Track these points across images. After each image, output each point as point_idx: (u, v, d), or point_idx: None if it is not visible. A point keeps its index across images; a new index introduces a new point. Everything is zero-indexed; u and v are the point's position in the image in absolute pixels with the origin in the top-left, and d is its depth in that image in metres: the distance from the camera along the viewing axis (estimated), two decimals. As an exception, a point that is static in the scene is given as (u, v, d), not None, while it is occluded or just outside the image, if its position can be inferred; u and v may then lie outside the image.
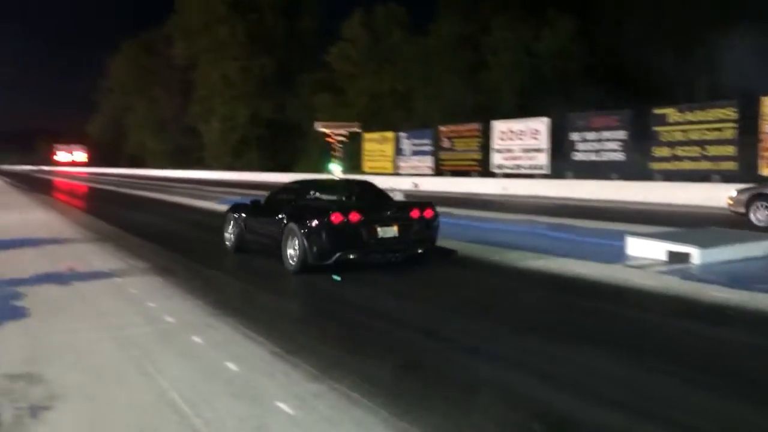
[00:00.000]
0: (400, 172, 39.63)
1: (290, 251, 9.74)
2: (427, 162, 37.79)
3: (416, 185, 34.36)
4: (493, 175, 33.33)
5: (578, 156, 29.55)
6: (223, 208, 23.43)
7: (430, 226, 10.30)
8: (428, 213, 10.17)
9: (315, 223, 9.30)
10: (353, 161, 41.64)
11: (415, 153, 38.84)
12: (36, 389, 4.97)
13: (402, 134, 40.38)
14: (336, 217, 9.15)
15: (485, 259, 11.14)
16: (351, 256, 9.40)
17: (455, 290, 8.94)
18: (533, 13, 44.77)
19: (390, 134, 41.02)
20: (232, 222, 12.24)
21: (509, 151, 32.32)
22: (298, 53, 75.62)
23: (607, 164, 28.30)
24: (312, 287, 9.22)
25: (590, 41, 44.31)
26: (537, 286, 9.11)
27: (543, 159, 30.66)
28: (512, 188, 30.70)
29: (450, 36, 50.88)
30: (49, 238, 14.48)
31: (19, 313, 7.38)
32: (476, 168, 34.68)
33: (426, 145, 38.02)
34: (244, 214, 11.85)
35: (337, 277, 9.28)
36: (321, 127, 21.74)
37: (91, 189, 45.51)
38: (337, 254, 9.29)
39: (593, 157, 28.93)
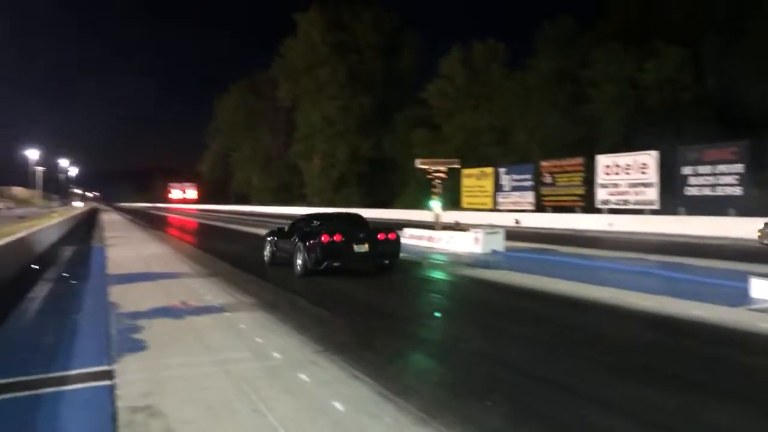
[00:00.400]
0: (500, 207, 39.14)
1: (298, 261, 14.04)
2: (528, 198, 37.09)
3: (518, 222, 33.70)
4: (598, 210, 32.18)
5: (691, 191, 28.05)
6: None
7: (393, 245, 14.60)
8: (391, 236, 14.57)
9: (311, 242, 13.55)
10: (452, 197, 41.56)
11: (515, 188, 38.26)
12: (155, 422, 5.14)
13: (501, 169, 39.99)
14: (325, 238, 13.42)
15: (596, 300, 10.66)
16: (335, 264, 13.58)
17: (575, 336, 8.56)
18: (636, 44, 43.43)
19: (489, 170, 40.73)
20: (268, 244, 16.76)
21: (615, 185, 31.15)
22: (396, 91, 77.17)
23: (723, 199, 26.67)
24: (421, 328, 9.13)
25: (699, 70, 42.39)
26: (651, 329, 8.58)
27: (652, 194, 29.31)
28: (618, 224, 29.48)
29: (549, 70, 50.24)
30: (163, 273, 15.25)
31: (137, 346, 7.73)
32: (579, 203, 33.66)
33: (527, 180, 37.40)
34: (275, 238, 16.25)
35: (437, 314, 9.23)
36: (421, 164, 21.77)
37: (201, 225, 47.81)
38: (326, 263, 13.50)
39: (707, 191, 27.36)
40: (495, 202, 39.92)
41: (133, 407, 5.50)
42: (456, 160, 24.15)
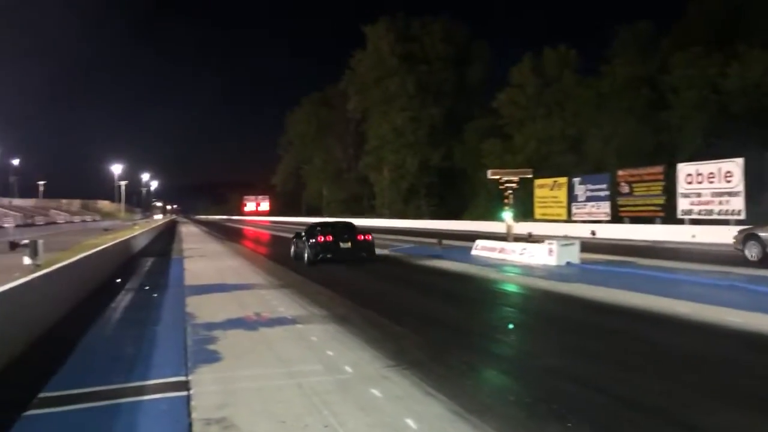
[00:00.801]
0: (575, 218, 38.05)
1: (305, 254, 20.35)
2: (604, 208, 35.89)
3: (594, 233, 32.56)
4: (679, 221, 30.72)
5: (781, 199, 26.42)
6: (396, 255, 23.96)
7: (369, 244, 20.73)
8: (368, 237, 20.84)
9: (312, 241, 19.97)
10: (524, 208, 40.79)
11: (591, 199, 37.11)
12: (228, 436, 5.15)
13: (576, 179, 38.89)
14: (320, 239, 19.86)
15: (678, 316, 10.10)
16: (328, 256, 19.65)
17: (657, 354, 8.13)
18: (719, 48, 41.54)
19: (563, 179, 39.73)
20: (292, 244, 22.86)
21: (698, 195, 29.68)
22: (466, 101, 76.70)
23: (815, 208, 24.97)
24: (495, 343, 8.90)
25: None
26: (738, 346, 8.02)
27: (737, 203, 27.75)
28: (702, 235, 28.04)
29: (625, 76, 48.67)
30: (238, 284, 15.56)
31: (213, 358, 7.84)
32: (659, 214, 32.25)
33: (602, 190, 36.21)
34: (295, 239, 22.42)
35: (510, 327, 8.99)
36: (492, 175, 21.43)
37: (273, 237, 48.71)
38: (321, 255, 19.66)
39: (800, 200, 25.71)
40: (569, 213, 38.82)
41: (208, 419, 5.54)
42: (528, 170, 23.68)
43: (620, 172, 35.10)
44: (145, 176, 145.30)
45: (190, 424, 5.46)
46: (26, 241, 17.74)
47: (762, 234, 17.71)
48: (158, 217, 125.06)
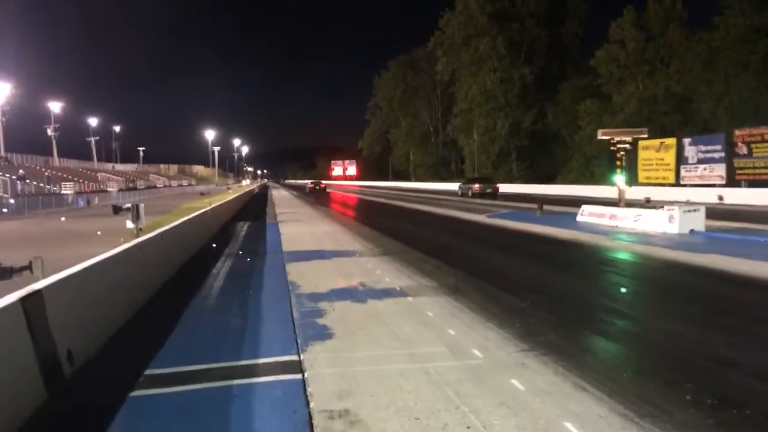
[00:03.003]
0: (684, 182, 35.37)
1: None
2: (718, 171, 33.04)
3: (721, 198, 29.73)
4: (808, 185, 27.86)
5: None
6: (494, 221, 22.86)
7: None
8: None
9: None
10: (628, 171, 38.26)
11: (702, 161, 34.30)
12: (356, 434, 4.44)
13: (686, 140, 36.02)
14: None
15: None
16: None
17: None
18: None
19: (671, 141, 36.92)
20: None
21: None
22: (560, 60, 73.32)
23: None
24: (631, 322, 7.83)
25: None
26: None
27: None
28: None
29: (740, 28, 44.49)
30: (337, 251, 15.01)
31: (324, 334, 7.20)
32: (782, 176, 29.38)
33: (716, 151, 33.33)
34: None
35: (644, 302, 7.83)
36: (603, 135, 19.76)
37: (363, 201, 48.42)
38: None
39: None
40: (678, 176, 36.13)
41: (329, 411, 4.85)
42: (643, 129, 21.80)
43: (738, 132, 32.11)
44: (237, 142, 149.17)
45: (309, 416, 4.79)
46: (128, 206, 17.81)
47: None
48: (246, 182, 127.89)
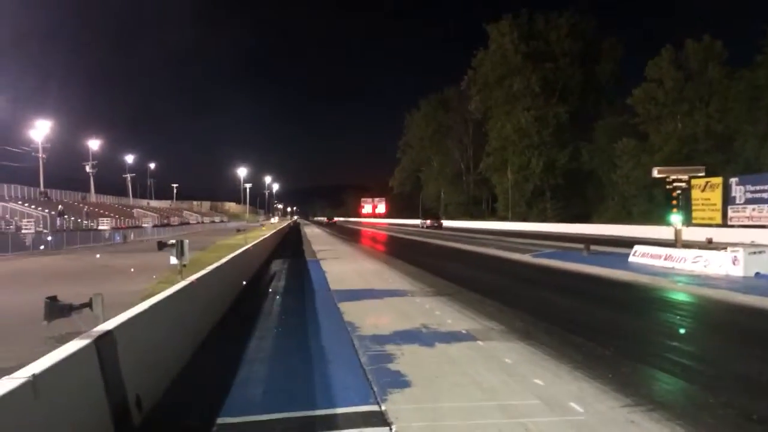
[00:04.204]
0: (731, 222, 34.29)
1: None
2: (768, 211, 32.02)
3: None
4: None
5: None
6: (540, 261, 22.21)
7: None
8: None
9: None
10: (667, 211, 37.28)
11: (751, 201, 33.26)
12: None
13: (733, 179, 35.04)
14: None
15: None
16: None
17: None
18: None
19: (717, 180, 35.91)
20: None
21: None
22: (595, 99, 72.79)
23: None
24: (721, 372, 7.18)
25: None
26: None
27: None
28: None
29: (785, 65, 43.75)
30: (388, 290, 14.53)
31: (400, 381, 6.69)
32: (840, 217, 28.23)
33: (765, 191, 32.31)
34: None
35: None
36: (659, 174, 19.13)
37: (399, 239, 47.94)
38: None
39: None
40: (725, 216, 35.06)
41: (433, 474, 4.33)
42: (700, 167, 21.07)
43: (789, 171, 31.13)
44: (268, 179, 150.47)
45: (410, 479, 4.28)
46: (173, 241, 17.61)
47: None
48: (274, 219, 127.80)
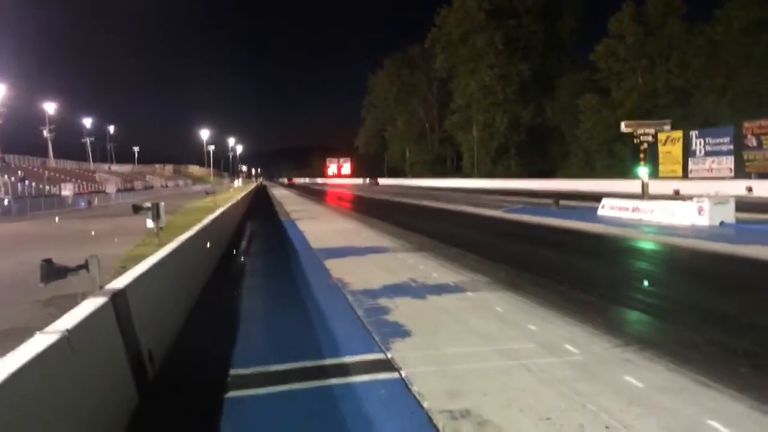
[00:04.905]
0: (692, 175, 35.32)
1: None
2: (727, 163, 33.03)
3: (750, 190, 29.20)
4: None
5: None
6: (513, 216, 22.66)
7: None
8: None
9: None
10: (630, 165, 38.20)
11: (710, 153, 34.27)
12: (493, 436, 4.17)
13: (693, 133, 35.99)
14: None
15: None
16: None
17: None
18: None
19: (677, 134, 36.85)
20: None
21: None
22: (557, 56, 73.13)
23: None
24: (690, 310, 7.60)
25: None
26: None
27: None
28: None
29: (743, 21, 44.47)
30: (369, 247, 14.73)
31: (400, 331, 6.93)
32: (793, 168, 29.30)
33: (724, 144, 33.28)
34: None
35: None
36: (626, 128, 19.58)
37: (368, 199, 48.05)
38: None
39: None
40: (685, 170, 36.08)
41: (449, 412, 4.58)
42: (666, 121, 21.62)
43: (747, 124, 32.09)
44: (231, 141, 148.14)
45: (429, 417, 4.52)
46: (149, 204, 17.47)
47: None
48: (237, 182, 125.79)
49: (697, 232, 15.47)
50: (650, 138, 19.34)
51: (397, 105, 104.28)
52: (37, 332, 3.77)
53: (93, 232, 21.31)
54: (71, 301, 9.97)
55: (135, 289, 5.68)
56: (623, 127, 19.76)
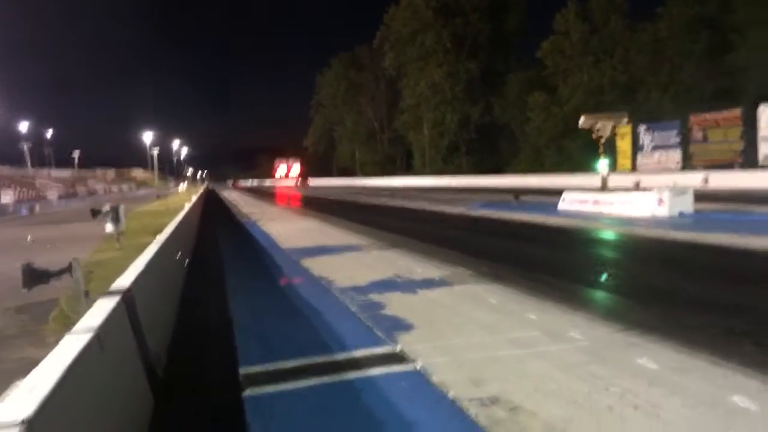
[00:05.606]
0: (640, 168, 36.47)
1: None
2: (674, 156, 34.23)
3: (706, 180, 30.03)
4: (763, 167, 29.03)
5: None
6: (478, 212, 22.92)
7: None
8: None
9: None
10: (584, 159, 39.17)
11: (658, 147, 35.45)
12: (528, 420, 4.20)
13: (642, 127, 37.13)
14: None
15: None
16: None
17: None
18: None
19: (626, 129, 37.94)
20: None
21: (782, 138, 27.98)
22: (504, 53, 74.28)
23: None
24: (659, 292, 7.85)
25: None
26: None
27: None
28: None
29: (684, 18, 46.19)
30: (341, 246, 14.63)
31: (402, 325, 6.90)
32: (737, 159, 30.60)
33: (672, 137, 34.48)
34: None
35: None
36: (584, 121, 20.04)
37: (322, 199, 47.78)
38: None
39: None
40: (634, 163, 37.22)
41: (479, 399, 4.60)
42: (623, 113, 22.20)
43: (693, 118, 33.31)
44: (175, 144, 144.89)
45: (458, 405, 4.52)
46: (107, 208, 16.96)
47: None
48: (182, 186, 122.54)
49: (658, 222, 15.99)
50: (608, 131, 19.82)
51: (345, 105, 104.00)
52: (66, 333, 3.62)
53: (49, 244, 20.52)
54: (43, 307, 9.64)
55: (138, 289, 5.50)
56: (582, 120, 20.22)
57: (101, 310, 4.33)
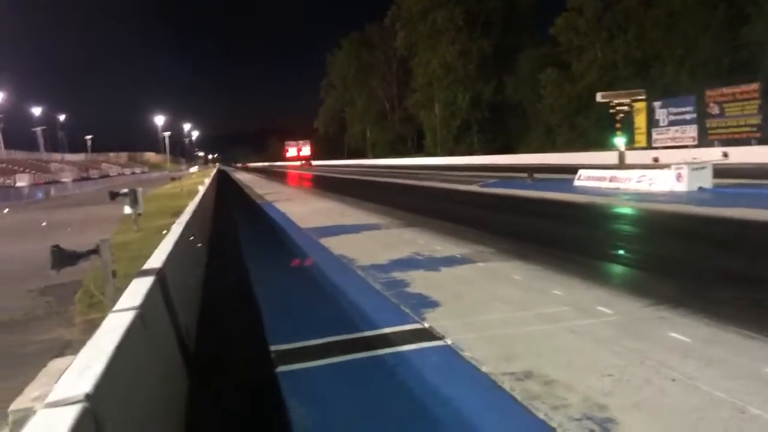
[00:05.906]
0: (656, 144, 36.10)
1: None
2: (690, 132, 33.84)
3: (725, 155, 29.51)
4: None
5: None
6: (490, 190, 22.85)
7: None
8: None
9: None
10: (600, 136, 38.87)
11: (674, 123, 35.04)
12: (566, 393, 4.20)
13: (656, 103, 36.67)
14: None
15: None
16: None
17: None
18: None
19: (641, 104, 37.47)
20: None
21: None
22: (517, 31, 73.40)
23: None
24: (700, 269, 7.80)
25: None
26: None
27: None
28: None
29: (700, -10, 45.34)
30: (360, 225, 14.64)
31: (428, 302, 6.92)
32: (755, 134, 30.19)
33: (687, 113, 34.06)
34: None
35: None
36: (602, 98, 19.86)
37: (334, 179, 47.78)
38: None
39: None
40: (649, 139, 36.84)
41: (512, 374, 4.61)
42: (640, 90, 22.00)
43: (709, 93, 32.82)
44: (187, 126, 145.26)
45: (492, 380, 4.54)
46: (125, 191, 17.07)
47: None
48: (194, 168, 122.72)
49: (677, 197, 15.87)
50: (626, 108, 19.63)
51: (356, 85, 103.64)
52: (110, 312, 3.66)
53: (69, 228, 20.73)
54: (65, 289, 9.76)
55: (169, 268, 5.54)
56: (599, 97, 20.04)
57: (138, 289, 4.37)
